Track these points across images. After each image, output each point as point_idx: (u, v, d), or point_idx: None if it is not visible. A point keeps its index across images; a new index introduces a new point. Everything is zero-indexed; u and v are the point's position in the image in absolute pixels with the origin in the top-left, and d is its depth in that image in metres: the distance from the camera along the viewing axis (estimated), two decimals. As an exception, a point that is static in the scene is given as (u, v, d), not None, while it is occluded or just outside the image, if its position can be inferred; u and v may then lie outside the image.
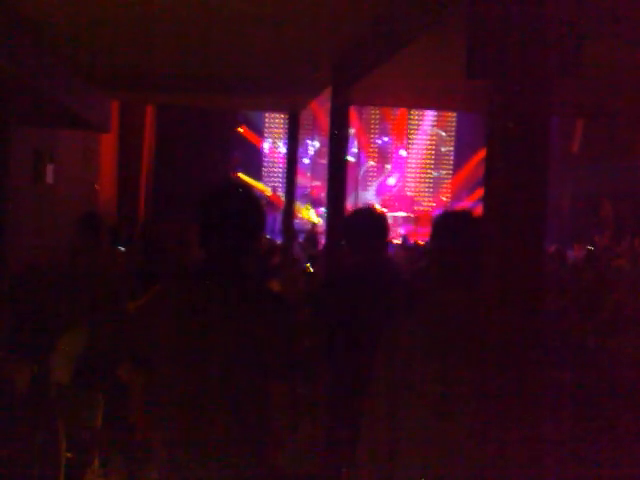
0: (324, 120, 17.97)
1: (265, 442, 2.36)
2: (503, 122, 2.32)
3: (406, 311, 2.50)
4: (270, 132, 20.29)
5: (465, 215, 2.48)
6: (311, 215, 18.48)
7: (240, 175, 18.30)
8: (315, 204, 18.49)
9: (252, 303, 2.39)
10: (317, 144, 20.12)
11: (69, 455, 4.15)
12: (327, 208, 6.00)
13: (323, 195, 15.13)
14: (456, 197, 19.93)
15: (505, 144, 2.34)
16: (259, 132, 19.96)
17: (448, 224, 2.44)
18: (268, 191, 19.10)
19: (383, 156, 20.86)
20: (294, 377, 2.44)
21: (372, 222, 3.73)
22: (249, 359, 2.32)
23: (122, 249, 6.92)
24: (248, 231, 2.45)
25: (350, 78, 5.53)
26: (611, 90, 5.73)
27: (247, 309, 2.37)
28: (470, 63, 2.56)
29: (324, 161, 16.55)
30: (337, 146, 5.92)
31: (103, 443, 4.27)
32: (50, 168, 8.73)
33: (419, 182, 20.97)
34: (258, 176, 19.71)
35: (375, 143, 20.88)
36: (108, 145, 12.23)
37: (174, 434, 2.35)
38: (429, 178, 21.03)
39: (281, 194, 18.65)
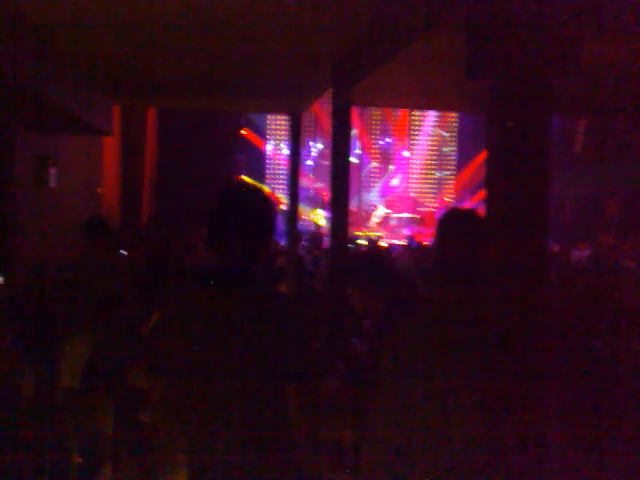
0: (326, 121, 18.00)
1: (282, 443, 2.35)
2: (503, 122, 2.33)
3: (408, 313, 2.50)
4: (273, 134, 20.33)
5: (469, 213, 2.49)
6: (319, 217, 18.46)
7: (243, 177, 18.32)
8: (325, 206, 18.40)
9: (264, 306, 2.37)
10: (320, 146, 20.14)
11: (79, 460, 4.15)
12: (331, 209, 6.01)
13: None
14: (459, 198, 19.92)
15: (505, 144, 2.35)
16: (262, 134, 20.00)
17: (452, 221, 2.44)
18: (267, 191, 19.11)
19: (386, 157, 20.87)
20: (310, 379, 2.42)
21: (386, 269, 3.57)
22: (264, 362, 2.30)
23: (124, 253, 6.94)
24: (263, 233, 2.42)
25: (351, 79, 5.54)
26: (612, 89, 5.73)
27: (259, 312, 2.35)
28: (470, 63, 2.57)
29: (327, 162, 16.54)
30: (340, 147, 5.92)
31: (114, 448, 4.27)
32: (53, 172, 8.73)
33: (422, 183, 20.97)
34: (261, 178, 19.73)
35: (377, 144, 20.88)
36: (111, 149, 12.24)
37: (194, 438, 2.36)
38: (432, 179, 21.03)
39: (279, 194, 18.69)
